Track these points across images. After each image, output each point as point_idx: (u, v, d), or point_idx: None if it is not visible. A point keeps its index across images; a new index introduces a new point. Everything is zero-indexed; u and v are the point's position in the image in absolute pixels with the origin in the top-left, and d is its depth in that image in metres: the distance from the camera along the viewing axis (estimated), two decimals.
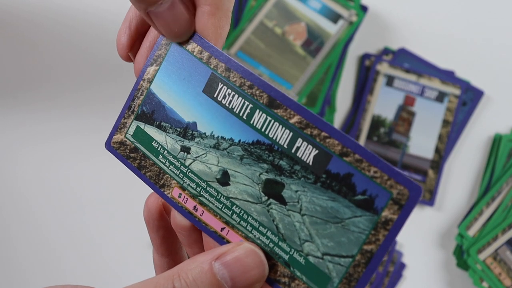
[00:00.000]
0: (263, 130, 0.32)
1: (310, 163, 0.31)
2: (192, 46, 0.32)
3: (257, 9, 0.56)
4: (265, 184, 0.32)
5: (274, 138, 0.32)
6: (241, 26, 0.55)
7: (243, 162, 0.33)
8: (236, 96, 0.33)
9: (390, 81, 0.57)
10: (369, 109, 0.56)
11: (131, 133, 0.35)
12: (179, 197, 0.32)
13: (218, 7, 0.29)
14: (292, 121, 0.31)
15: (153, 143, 0.35)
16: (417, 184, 0.28)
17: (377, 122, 0.56)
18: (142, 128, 0.35)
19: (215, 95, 0.33)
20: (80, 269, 0.52)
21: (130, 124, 0.35)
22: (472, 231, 0.52)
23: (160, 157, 0.35)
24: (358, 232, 0.29)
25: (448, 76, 0.58)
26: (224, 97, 0.33)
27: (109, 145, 0.35)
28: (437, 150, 0.55)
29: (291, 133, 0.31)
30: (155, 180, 0.35)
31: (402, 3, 0.62)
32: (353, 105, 0.57)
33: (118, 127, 0.36)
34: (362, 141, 0.55)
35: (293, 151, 0.31)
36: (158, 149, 0.35)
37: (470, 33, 0.61)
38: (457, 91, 0.57)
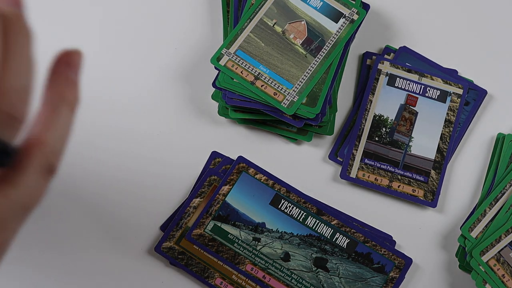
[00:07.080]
0: (313, 228, 0.50)
1: (345, 247, 0.50)
2: (259, 176, 0.51)
3: (257, 8, 0.55)
4: (315, 260, 0.50)
5: (321, 232, 0.50)
6: (240, 24, 0.55)
7: (300, 247, 0.50)
8: (295, 207, 0.51)
9: (391, 80, 0.57)
10: (371, 108, 0.56)
11: (209, 229, 0.50)
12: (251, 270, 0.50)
13: None
14: (332, 223, 0.51)
15: (229, 235, 0.50)
16: (409, 257, 0.50)
17: (378, 122, 0.55)
18: (219, 225, 0.50)
19: (279, 206, 0.51)
20: None
21: (208, 223, 0.50)
22: (475, 233, 0.51)
23: (235, 244, 0.49)
24: (376, 286, 0.49)
25: (450, 75, 0.57)
26: (286, 208, 0.51)
27: (190, 237, 0.49)
28: (439, 150, 0.55)
29: (332, 230, 0.50)
30: (232, 259, 0.49)
31: (403, 1, 0.61)
32: (354, 105, 0.57)
33: (197, 225, 0.49)
34: (363, 141, 0.54)
35: (333, 240, 0.50)
36: (233, 239, 0.50)
37: (473, 31, 0.60)
38: (459, 91, 0.56)
